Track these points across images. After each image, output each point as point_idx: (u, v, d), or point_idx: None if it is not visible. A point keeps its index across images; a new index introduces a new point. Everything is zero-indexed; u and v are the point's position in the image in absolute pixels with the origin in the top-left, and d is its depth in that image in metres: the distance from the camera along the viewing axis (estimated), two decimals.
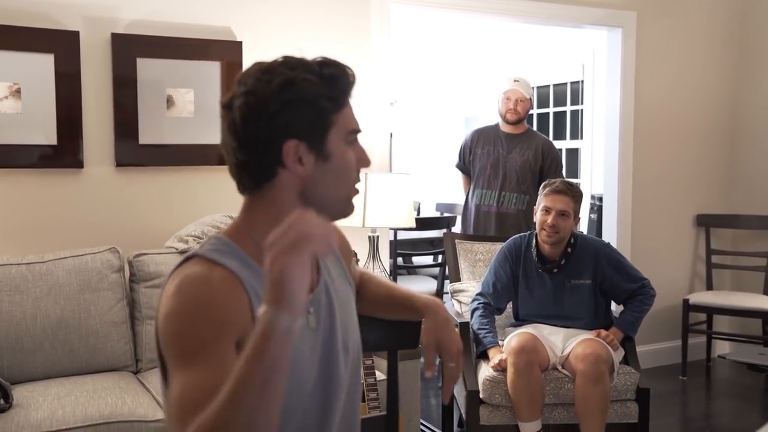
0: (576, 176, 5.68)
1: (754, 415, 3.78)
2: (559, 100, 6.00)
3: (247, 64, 3.41)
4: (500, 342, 2.96)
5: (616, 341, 2.91)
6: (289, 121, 1.12)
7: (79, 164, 2.99)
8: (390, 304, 1.51)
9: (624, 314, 3.03)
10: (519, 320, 3.10)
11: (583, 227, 5.12)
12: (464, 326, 3.02)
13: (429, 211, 6.39)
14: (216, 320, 1.07)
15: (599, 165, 5.02)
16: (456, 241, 3.55)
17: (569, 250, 3.01)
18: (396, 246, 4.37)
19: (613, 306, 3.16)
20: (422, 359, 3.06)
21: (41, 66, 2.88)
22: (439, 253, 4.80)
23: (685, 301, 4.25)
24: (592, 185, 5.47)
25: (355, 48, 3.48)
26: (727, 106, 4.62)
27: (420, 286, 4.59)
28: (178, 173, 3.18)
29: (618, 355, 2.91)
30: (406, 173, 3.39)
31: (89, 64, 2.98)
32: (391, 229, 3.84)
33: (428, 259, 5.08)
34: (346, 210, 1.23)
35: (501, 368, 2.81)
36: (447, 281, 3.85)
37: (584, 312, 3.00)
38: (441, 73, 6.82)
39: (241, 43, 3.23)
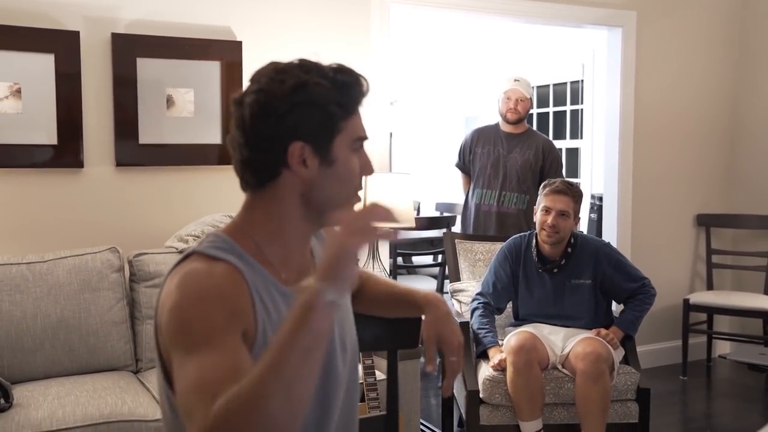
0: (576, 176, 5.68)
1: (755, 416, 3.78)
2: (559, 100, 6.00)
3: (247, 63, 3.43)
4: (500, 342, 2.96)
5: (616, 340, 2.91)
6: (297, 123, 1.13)
7: (79, 164, 2.99)
8: (390, 302, 1.51)
9: (624, 313, 3.03)
10: (519, 320, 3.10)
11: (583, 227, 5.12)
12: (464, 326, 3.02)
13: (429, 211, 6.39)
14: (225, 309, 1.07)
15: (599, 165, 5.02)
16: (456, 240, 3.55)
17: (569, 249, 3.01)
18: (396, 245, 4.37)
19: (614, 306, 3.16)
20: (422, 358, 3.06)
21: (41, 66, 2.88)
22: (439, 252, 4.80)
23: (686, 301, 4.25)
24: (592, 185, 5.47)
25: (355, 47, 3.48)
26: (728, 105, 4.62)
27: (420, 286, 4.56)
28: (178, 173, 3.18)
29: (618, 354, 2.91)
30: (405, 173, 3.40)
31: (89, 64, 2.98)
32: (391, 228, 3.84)
33: (428, 259, 5.07)
34: None
35: (501, 368, 2.81)
36: (447, 281, 3.85)
37: (584, 312, 3.00)
38: (441, 73, 6.82)
39: (241, 42, 3.23)
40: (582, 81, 5.65)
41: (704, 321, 4.43)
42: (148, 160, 3.11)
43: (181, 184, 3.19)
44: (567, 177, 3.93)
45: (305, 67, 1.16)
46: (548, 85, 6.05)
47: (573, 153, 5.84)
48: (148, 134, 3.09)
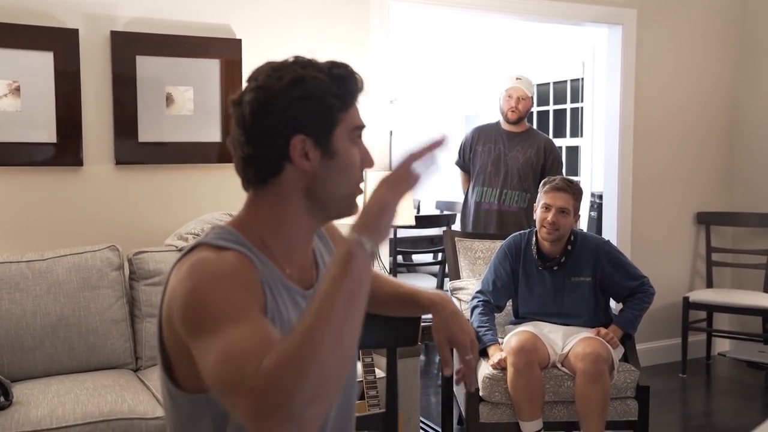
0: (576, 174, 5.67)
1: (754, 413, 3.79)
2: (559, 98, 6.00)
3: (246, 61, 3.43)
4: (500, 340, 2.96)
5: (616, 339, 2.91)
6: (297, 117, 1.14)
7: (78, 162, 2.99)
8: (395, 302, 1.50)
9: (623, 312, 3.03)
10: (519, 318, 3.10)
11: (583, 225, 5.12)
12: None
13: (429, 209, 6.39)
14: (242, 285, 1.07)
15: (599, 163, 5.02)
16: (456, 238, 3.55)
17: (569, 247, 3.01)
18: (396, 244, 4.37)
19: (613, 304, 3.16)
20: (422, 356, 3.06)
21: (41, 64, 2.88)
22: (439, 250, 4.80)
23: (685, 299, 4.25)
24: (592, 183, 5.47)
25: (355, 45, 3.48)
26: (728, 103, 4.62)
27: (420, 284, 4.57)
28: (177, 171, 3.18)
29: (618, 353, 2.91)
30: None
31: (89, 62, 2.98)
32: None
33: (428, 257, 5.07)
34: (350, 208, 1.24)
35: (500, 367, 2.81)
36: (447, 279, 3.85)
37: (584, 310, 3.00)
38: (441, 71, 6.81)
39: (240, 40, 3.23)
40: (582, 79, 5.65)
41: (704, 319, 4.43)
42: (147, 158, 3.11)
43: (181, 183, 3.18)
44: (567, 175, 3.93)
45: (301, 63, 1.17)
46: (548, 83, 6.04)
47: (573, 151, 5.83)
48: (147, 132, 3.09)
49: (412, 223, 3.26)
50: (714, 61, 4.55)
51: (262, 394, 0.90)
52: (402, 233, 4.71)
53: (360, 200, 1.25)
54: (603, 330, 2.91)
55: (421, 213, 6.10)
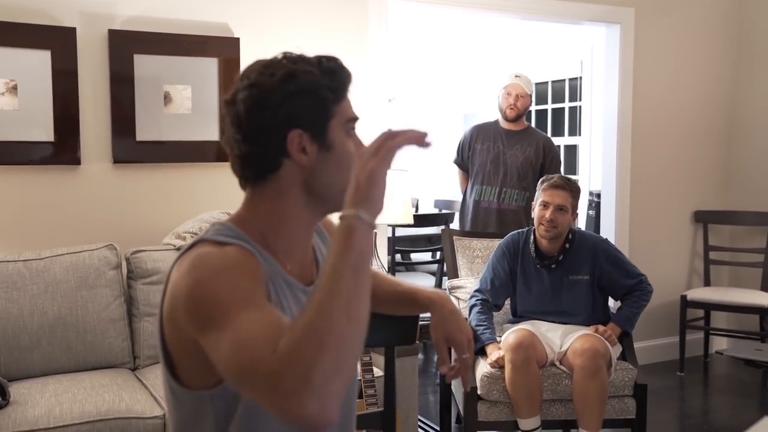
0: (574, 173, 5.68)
1: (752, 411, 3.79)
2: (558, 97, 6.00)
3: (244, 60, 3.43)
4: (498, 338, 2.96)
5: (614, 336, 2.91)
6: (292, 111, 1.14)
7: (76, 161, 2.98)
8: (394, 300, 1.50)
9: (621, 310, 3.03)
10: (517, 316, 3.10)
11: (581, 224, 5.12)
12: None
13: (427, 208, 6.39)
14: (247, 275, 1.07)
15: (597, 161, 5.02)
16: (454, 237, 3.55)
17: (567, 245, 3.01)
18: (394, 242, 4.37)
19: (611, 302, 3.16)
20: (420, 355, 3.07)
21: (38, 62, 2.88)
22: (437, 249, 4.80)
23: (683, 297, 4.25)
24: (590, 182, 5.47)
25: (353, 44, 3.47)
26: (725, 102, 4.62)
27: (418, 283, 4.58)
28: (175, 170, 3.18)
29: (615, 350, 2.91)
30: (403, 169, 3.39)
31: (86, 61, 2.98)
32: (389, 225, 3.84)
33: (426, 256, 5.08)
34: None
35: (498, 365, 2.81)
36: (445, 278, 3.85)
37: (582, 308, 3.00)
38: (439, 70, 6.81)
39: (238, 39, 3.22)
40: (580, 78, 5.65)
41: (701, 317, 4.44)
42: (145, 157, 3.10)
43: (179, 181, 3.18)
44: (565, 174, 3.93)
45: (291, 58, 1.18)
46: (546, 82, 6.05)
47: (571, 150, 5.84)
48: (145, 131, 3.08)
49: (411, 221, 3.26)
50: (712, 60, 4.55)
51: (284, 373, 0.90)
52: (400, 232, 4.71)
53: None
54: (601, 327, 2.91)
55: (420, 212, 6.10)
